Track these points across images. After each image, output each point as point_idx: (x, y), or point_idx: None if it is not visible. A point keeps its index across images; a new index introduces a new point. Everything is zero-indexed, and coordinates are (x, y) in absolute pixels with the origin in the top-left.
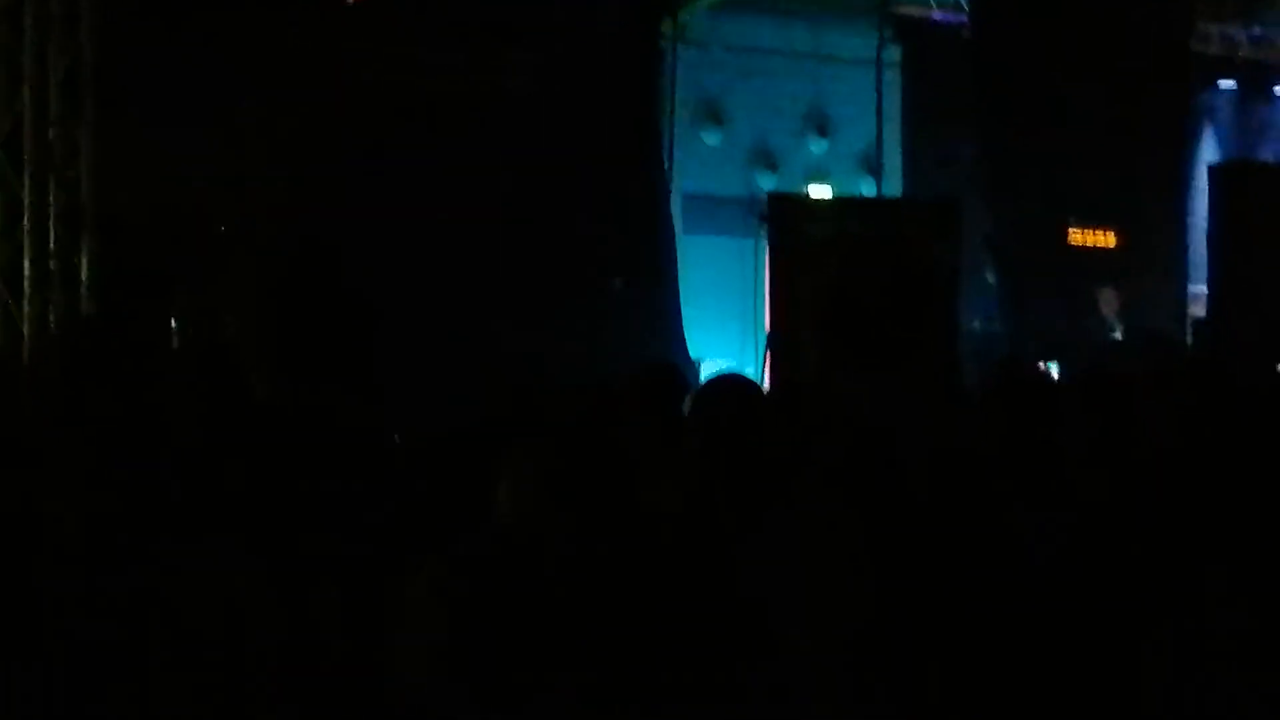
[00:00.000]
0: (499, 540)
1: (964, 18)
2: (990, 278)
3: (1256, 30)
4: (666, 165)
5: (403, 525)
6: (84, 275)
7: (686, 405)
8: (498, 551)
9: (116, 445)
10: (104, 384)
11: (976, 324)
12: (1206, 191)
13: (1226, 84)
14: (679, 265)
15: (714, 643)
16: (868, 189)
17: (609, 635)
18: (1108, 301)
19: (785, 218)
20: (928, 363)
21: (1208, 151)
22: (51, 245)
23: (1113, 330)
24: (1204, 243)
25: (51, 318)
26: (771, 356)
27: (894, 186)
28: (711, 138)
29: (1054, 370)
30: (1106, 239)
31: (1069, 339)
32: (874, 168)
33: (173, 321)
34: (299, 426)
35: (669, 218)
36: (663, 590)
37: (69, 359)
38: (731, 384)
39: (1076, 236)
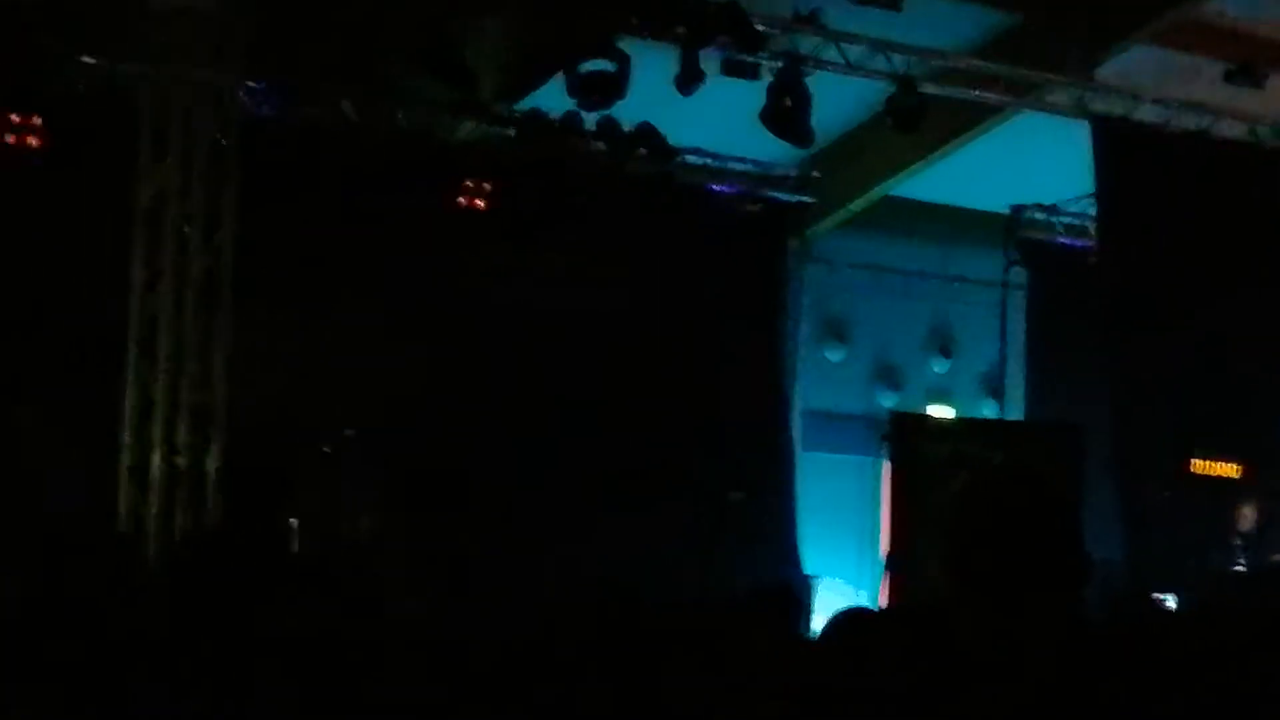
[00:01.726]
0: None
1: (1090, 243)
2: (1112, 506)
3: None
4: (789, 381)
5: None
6: (211, 475)
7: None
8: None
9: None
10: (224, 598)
11: (1097, 552)
12: None
13: None
14: (797, 481)
15: None
16: (990, 410)
17: None
18: (1245, 518)
19: (906, 437)
20: (1051, 590)
21: None
22: (180, 443)
23: (1238, 561)
24: None
25: (179, 516)
26: (890, 575)
27: (1017, 409)
28: (835, 354)
29: (1170, 602)
30: (1230, 470)
31: (1192, 569)
32: (996, 389)
33: (293, 522)
34: (429, 646)
35: (789, 433)
36: None
37: (192, 576)
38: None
39: (1199, 465)
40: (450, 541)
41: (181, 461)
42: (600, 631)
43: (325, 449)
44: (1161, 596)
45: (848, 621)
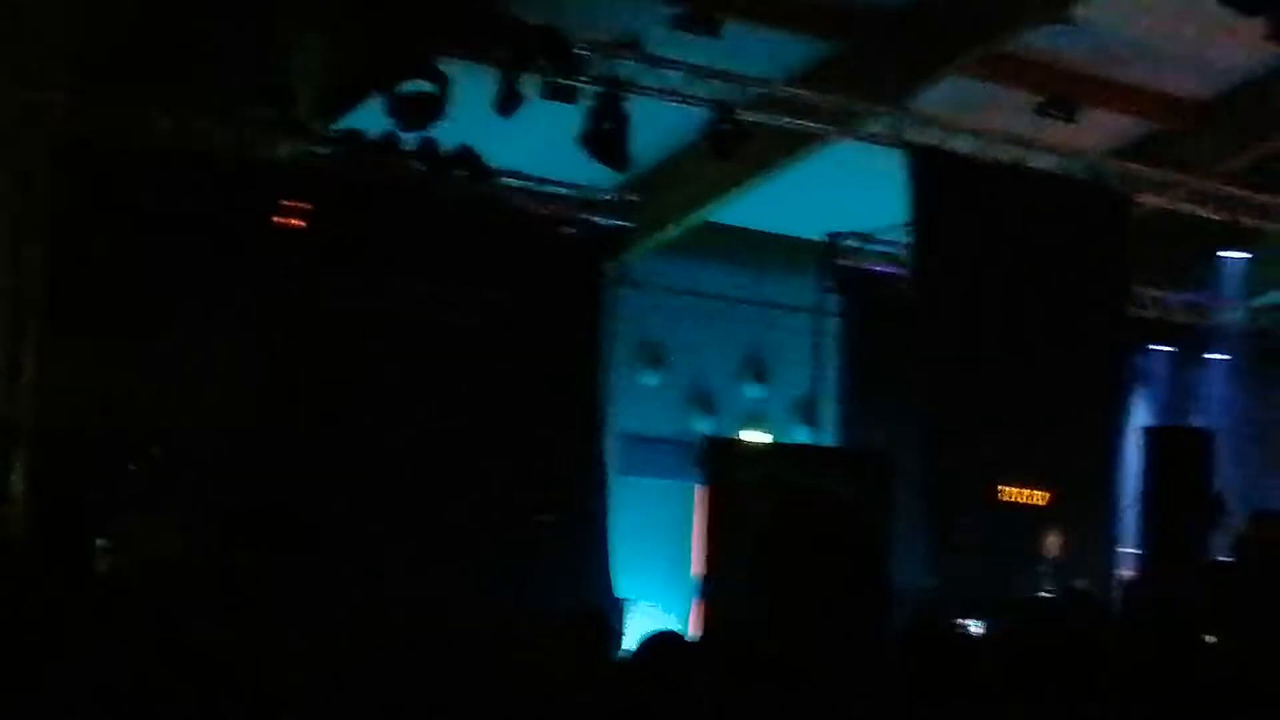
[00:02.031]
0: None
1: (904, 270)
2: (922, 533)
3: (1190, 296)
4: (604, 404)
5: None
6: (17, 491)
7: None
8: None
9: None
10: (22, 607)
11: (907, 578)
12: (1140, 452)
13: (1160, 348)
14: (611, 504)
15: None
16: (804, 436)
17: None
18: (1051, 545)
19: (720, 461)
20: (855, 614)
21: (1140, 413)
22: None
23: (1044, 587)
24: (1135, 504)
25: None
26: (701, 599)
27: (830, 434)
28: (650, 378)
29: (976, 627)
30: (1039, 497)
31: (997, 595)
32: (810, 415)
33: (98, 542)
34: (235, 667)
35: (601, 455)
36: None
37: None
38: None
39: (1009, 493)
40: (258, 565)
41: None
42: (405, 652)
43: (131, 466)
44: (966, 622)
45: (659, 644)
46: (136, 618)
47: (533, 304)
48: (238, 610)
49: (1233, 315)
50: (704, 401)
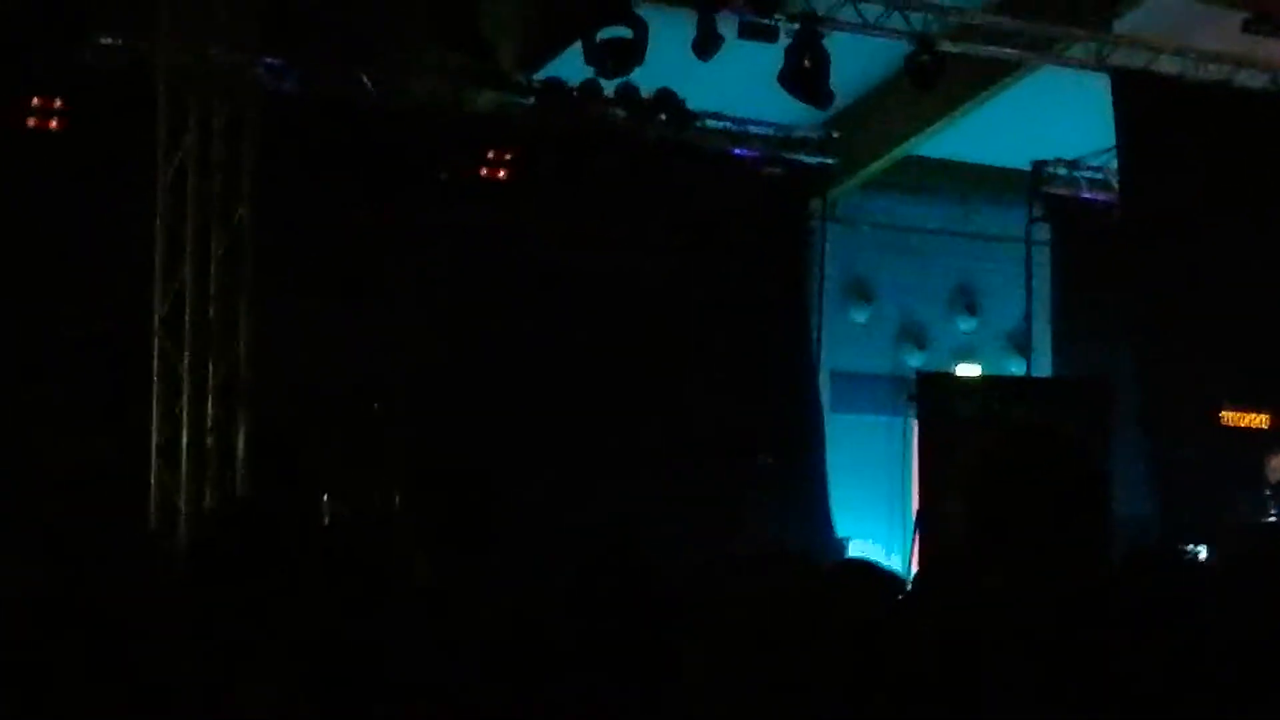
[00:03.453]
0: None
1: (1114, 197)
2: (1142, 460)
3: None
4: (815, 343)
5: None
6: (240, 452)
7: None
8: None
9: (274, 632)
10: (259, 569)
11: (1128, 507)
12: None
13: None
14: (826, 443)
15: None
16: (1016, 367)
17: None
18: (1275, 468)
19: (934, 397)
20: (1077, 546)
21: None
22: (209, 422)
23: (1269, 511)
24: None
25: (208, 494)
26: (920, 535)
27: (1043, 365)
28: (859, 315)
29: (1203, 553)
30: (1261, 420)
31: (1222, 522)
32: (1023, 346)
33: (325, 497)
34: (465, 608)
35: (817, 395)
36: None
37: (226, 545)
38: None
39: (1229, 418)
40: (473, 515)
41: (210, 440)
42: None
43: (375, 405)
44: (1194, 549)
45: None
46: (362, 571)
47: (740, 245)
48: (448, 561)
49: None
50: (915, 336)
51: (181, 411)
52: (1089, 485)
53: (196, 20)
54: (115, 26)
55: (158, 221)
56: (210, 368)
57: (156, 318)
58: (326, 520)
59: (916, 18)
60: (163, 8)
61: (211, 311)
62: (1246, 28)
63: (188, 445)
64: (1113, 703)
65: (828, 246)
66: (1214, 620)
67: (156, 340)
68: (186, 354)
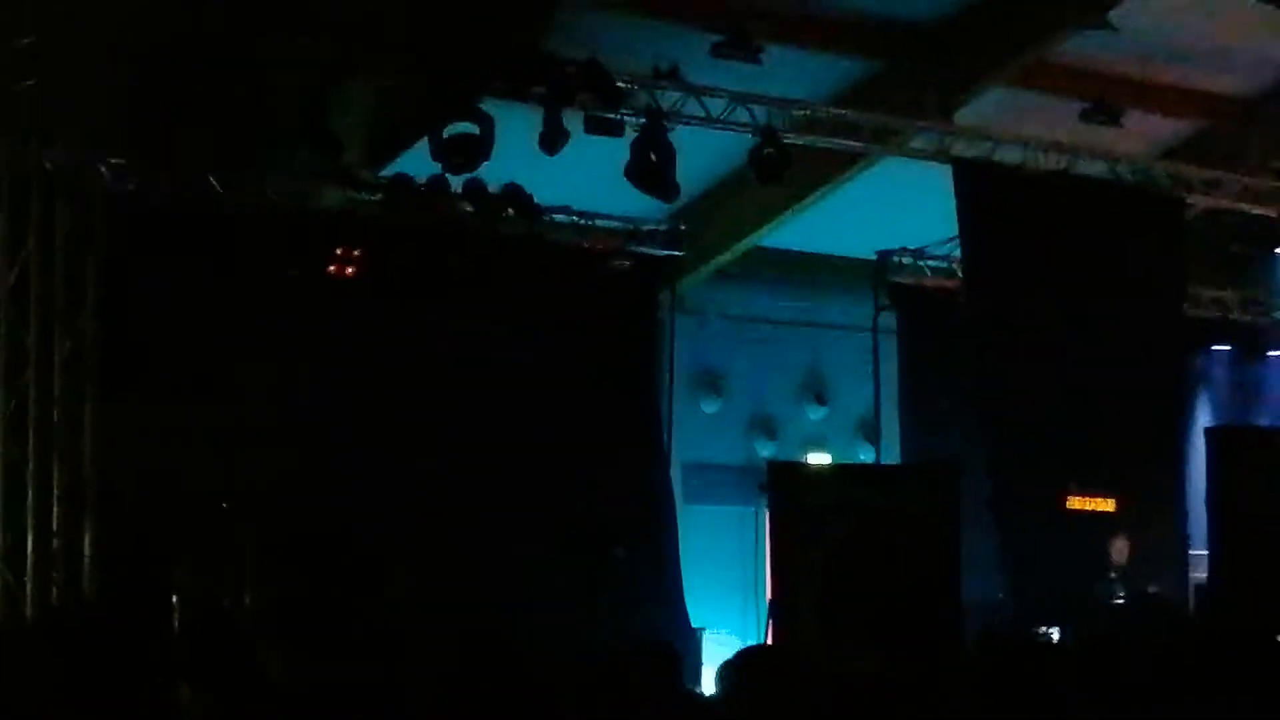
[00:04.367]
0: None
1: (958, 284)
2: (991, 543)
3: (1247, 293)
4: (666, 434)
5: None
6: (87, 553)
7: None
8: None
9: None
10: (104, 667)
11: (978, 591)
12: (1204, 454)
13: (1220, 348)
14: (679, 533)
15: None
16: (866, 455)
17: None
18: (1119, 551)
19: (785, 486)
20: (927, 630)
21: (1203, 415)
22: (54, 524)
23: (1116, 594)
24: (1203, 506)
25: (55, 599)
26: (774, 625)
27: (893, 452)
28: (710, 406)
29: (1055, 635)
30: (1106, 504)
31: (1072, 604)
32: (872, 434)
33: (174, 599)
34: (316, 706)
35: (669, 486)
36: None
37: (68, 642)
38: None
39: (1076, 501)
40: (331, 609)
41: (57, 542)
42: (483, 689)
43: (224, 505)
44: (1046, 630)
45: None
46: (222, 668)
47: (589, 338)
48: (315, 647)
49: None
50: (766, 426)
51: (27, 516)
52: (938, 570)
53: (37, 122)
54: None
55: (1, 326)
56: (56, 471)
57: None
58: (176, 622)
59: (760, 111)
60: (3, 108)
61: (56, 414)
62: (1085, 116)
63: (33, 549)
64: None
65: (677, 338)
66: (1072, 700)
67: (0, 445)
68: (31, 459)
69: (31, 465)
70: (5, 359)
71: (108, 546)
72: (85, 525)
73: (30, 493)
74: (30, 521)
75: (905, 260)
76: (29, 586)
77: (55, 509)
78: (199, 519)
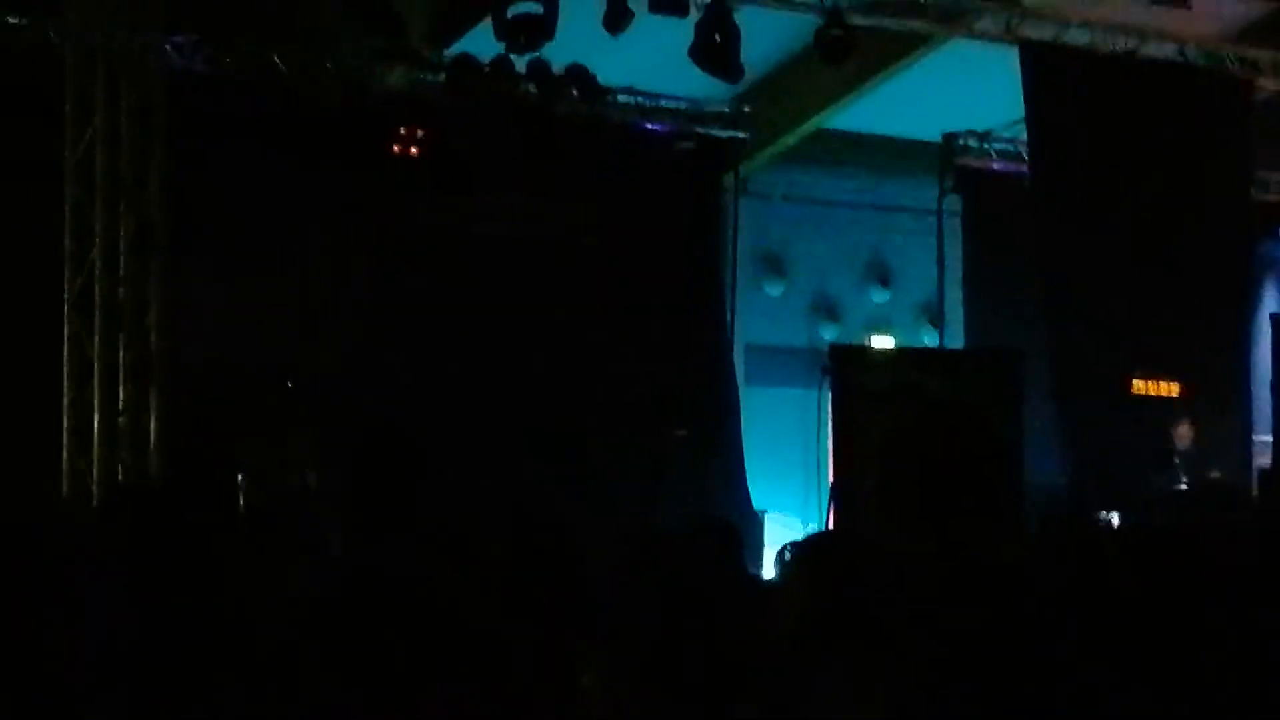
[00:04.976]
0: None
1: (1024, 168)
2: (1053, 428)
3: None
4: (729, 317)
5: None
6: (152, 432)
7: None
8: None
9: (187, 611)
10: (170, 548)
11: (1040, 475)
12: (1270, 340)
13: None
14: (741, 416)
15: None
16: (930, 339)
17: None
18: (1183, 436)
19: (847, 369)
20: (988, 516)
21: (1270, 300)
22: (120, 402)
23: (1179, 480)
24: (1268, 392)
25: (121, 477)
26: (835, 507)
27: (956, 336)
28: (774, 289)
29: (1115, 520)
30: (1170, 389)
31: (1134, 489)
32: (936, 318)
33: (239, 477)
34: (377, 582)
35: (732, 368)
36: None
37: (135, 524)
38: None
39: (1140, 386)
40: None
41: (123, 420)
42: (538, 569)
43: (289, 383)
44: (1105, 515)
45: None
46: (285, 551)
47: (652, 220)
48: (373, 535)
49: None
50: (829, 309)
51: (93, 394)
52: (998, 456)
53: (104, 1)
54: (20, 7)
55: (65, 202)
56: (121, 349)
57: (66, 299)
58: (242, 500)
59: None
60: None
61: (121, 292)
62: (1154, 0)
63: (100, 427)
64: (1030, 668)
65: (740, 220)
66: (1129, 586)
67: (66, 321)
68: (97, 336)
69: (97, 343)
70: (71, 238)
71: (173, 425)
72: (151, 404)
73: (96, 371)
74: (96, 400)
75: (971, 143)
76: (95, 467)
77: (121, 388)
78: (264, 397)
